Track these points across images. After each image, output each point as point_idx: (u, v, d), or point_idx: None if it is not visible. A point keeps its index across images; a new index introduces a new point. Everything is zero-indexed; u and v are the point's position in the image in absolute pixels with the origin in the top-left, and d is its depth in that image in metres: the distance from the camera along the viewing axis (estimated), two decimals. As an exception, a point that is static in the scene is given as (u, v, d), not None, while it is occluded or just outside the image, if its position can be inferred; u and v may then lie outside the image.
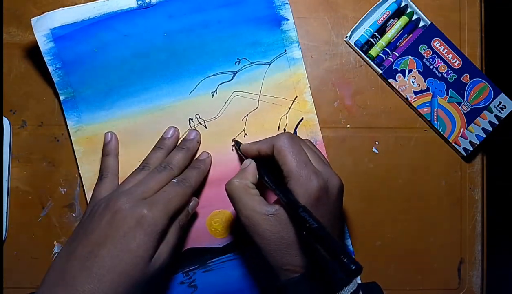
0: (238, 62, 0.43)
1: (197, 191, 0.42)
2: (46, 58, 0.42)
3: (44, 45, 0.41)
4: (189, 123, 0.43)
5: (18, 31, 0.44)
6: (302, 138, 0.39)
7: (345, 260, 0.26)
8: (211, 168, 0.43)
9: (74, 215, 0.44)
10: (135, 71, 0.43)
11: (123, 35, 0.42)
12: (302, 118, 0.44)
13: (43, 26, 0.41)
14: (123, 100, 0.43)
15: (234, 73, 0.43)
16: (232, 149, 0.43)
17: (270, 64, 0.44)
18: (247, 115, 0.43)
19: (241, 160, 0.42)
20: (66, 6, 0.44)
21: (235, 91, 0.43)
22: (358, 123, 0.45)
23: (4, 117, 0.43)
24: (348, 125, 0.45)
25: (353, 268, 0.26)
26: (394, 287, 0.45)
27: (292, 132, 0.44)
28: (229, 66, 0.43)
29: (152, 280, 0.35)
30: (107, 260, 0.33)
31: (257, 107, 0.43)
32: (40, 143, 0.44)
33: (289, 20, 0.44)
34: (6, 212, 0.43)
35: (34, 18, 0.41)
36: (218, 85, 0.43)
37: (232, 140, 0.43)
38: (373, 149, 0.45)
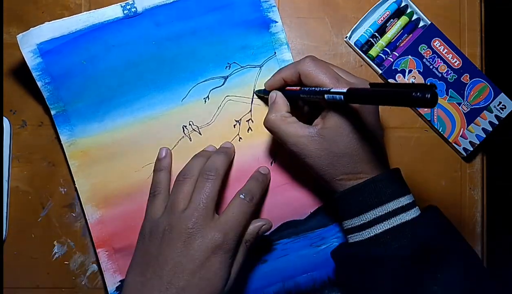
0: (228, 67, 0.43)
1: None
2: (34, 74, 0.41)
3: (31, 61, 0.41)
4: (183, 130, 0.43)
5: (18, 31, 0.44)
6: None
7: (418, 94, 0.24)
8: None
9: (74, 215, 0.44)
10: (125, 81, 0.42)
11: (111, 45, 0.42)
12: None
13: (29, 42, 0.41)
14: (116, 111, 0.42)
15: (225, 78, 0.43)
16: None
17: (261, 67, 0.43)
18: (240, 119, 0.43)
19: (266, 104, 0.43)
20: (65, 6, 0.44)
21: (227, 96, 0.43)
22: (358, 123, 0.45)
23: (4, 117, 0.43)
24: (348, 125, 0.45)
25: (429, 96, 0.24)
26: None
27: None
28: (219, 71, 0.43)
29: None
30: (187, 291, 0.33)
31: (250, 110, 0.43)
32: (40, 143, 0.44)
33: (277, 22, 0.44)
34: (6, 212, 0.43)
35: (20, 34, 0.40)
36: (210, 91, 0.43)
37: (254, 92, 0.43)
38: (373, 149, 0.45)
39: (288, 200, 0.43)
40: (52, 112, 0.42)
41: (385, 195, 0.34)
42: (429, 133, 0.46)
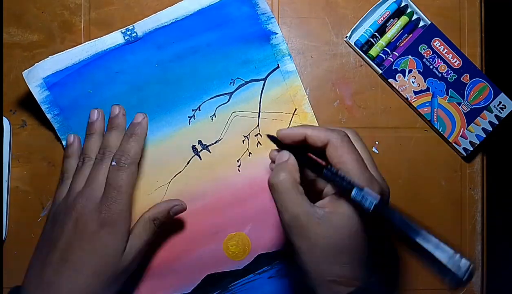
0: (232, 83, 0.43)
1: (208, 217, 0.42)
2: (43, 107, 0.42)
3: (39, 95, 0.41)
4: (192, 150, 0.43)
5: (18, 31, 0.44)
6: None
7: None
8: (221, 193, 0.43)
9: (74, 215, 0.44)
10: (131, 106, 0.42)
11: (115, 72, 0.42)
12: None
13: (35, 77, 0.41)
14: None
15: (231, 94, 0.43)
16: (239, 168, 0.43)
17: (265, 80, 0.43)
18: (249, 134, 0.43)
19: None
20: (65, 6, 0.44)
21: (233, 112, 0.43)
22: (358, 123, 0.45)
23: (4, 117, 0.43)
24: (348, 126, 0.45)
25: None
26: (394, 287, 0.45)
27: None
28: (224, 88, 0.43)
29: (125, 273, 0.37)
30: (78, 264, 0.35)
31: (258, 124, 0.43)
32: (40, 143, 0.44)
33: (277, 33, 0.43)
34: (6, 212, 0.43)
35: (26, 70, 0.41)
36: (216, 108, 0.43)
37: (267, 136, 0.36)
38: (373, 149, 0.45)
39: None
40: (64, 142, 0.42)
41: None
42: (429, 133, 0.46)
